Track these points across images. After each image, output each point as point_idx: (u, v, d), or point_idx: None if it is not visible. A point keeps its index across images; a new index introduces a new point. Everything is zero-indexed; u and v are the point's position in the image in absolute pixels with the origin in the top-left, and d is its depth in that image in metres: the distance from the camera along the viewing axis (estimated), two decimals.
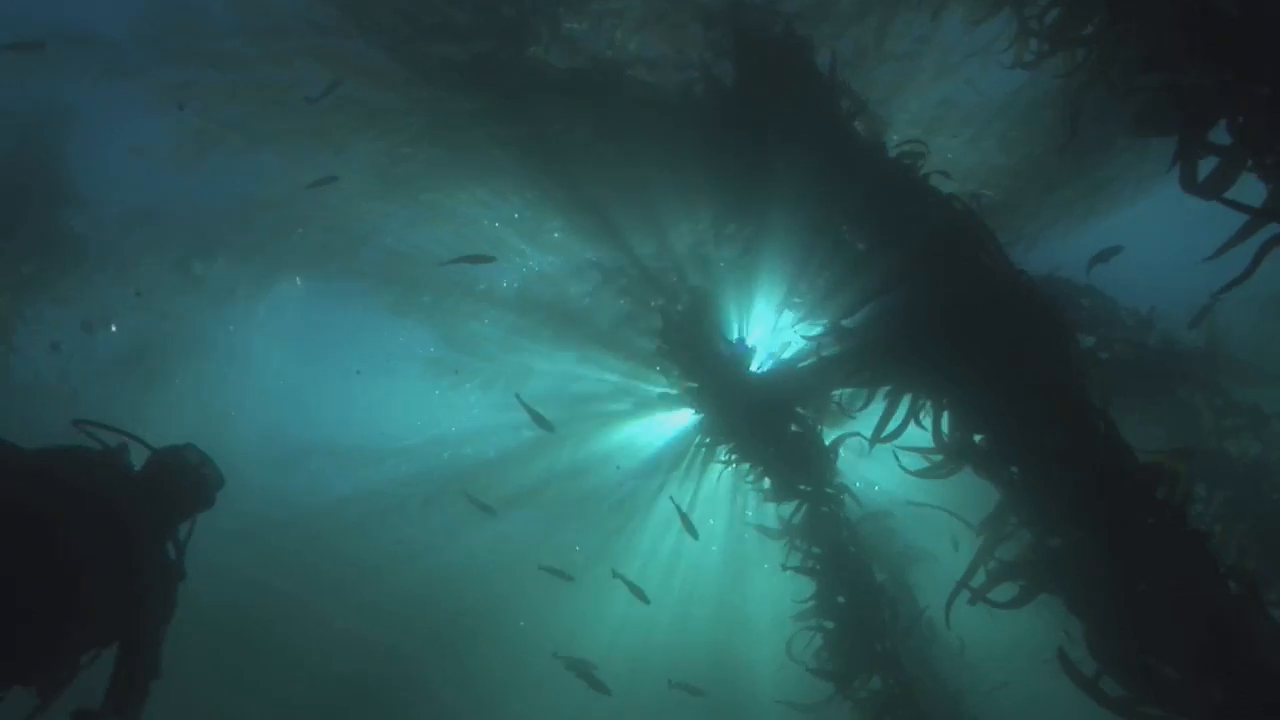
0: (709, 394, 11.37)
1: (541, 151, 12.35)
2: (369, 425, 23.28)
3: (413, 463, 23.82)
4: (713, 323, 11.72)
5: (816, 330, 9.24)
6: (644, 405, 17.59)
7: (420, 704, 30.84)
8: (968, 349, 7.22)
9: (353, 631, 28.97)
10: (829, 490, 10.15)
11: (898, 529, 17.39)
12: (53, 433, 4.80)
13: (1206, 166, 5.58)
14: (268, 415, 23.72)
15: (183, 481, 4.89)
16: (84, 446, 4.69)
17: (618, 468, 20.54)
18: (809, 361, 9.83)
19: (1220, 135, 5.50)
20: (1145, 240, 14.03)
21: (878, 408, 8.06)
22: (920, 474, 7.53)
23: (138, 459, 4.93)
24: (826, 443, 10.31)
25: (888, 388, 7.95)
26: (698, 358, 11.44)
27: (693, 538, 14.81)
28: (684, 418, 15.85)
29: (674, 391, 12.73)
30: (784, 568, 10.35)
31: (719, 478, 15.22)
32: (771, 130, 8.68)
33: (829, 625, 9.75)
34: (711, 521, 21.41)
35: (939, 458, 7.39)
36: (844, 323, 8.51)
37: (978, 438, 7.17)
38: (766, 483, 10.54)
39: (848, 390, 9.69)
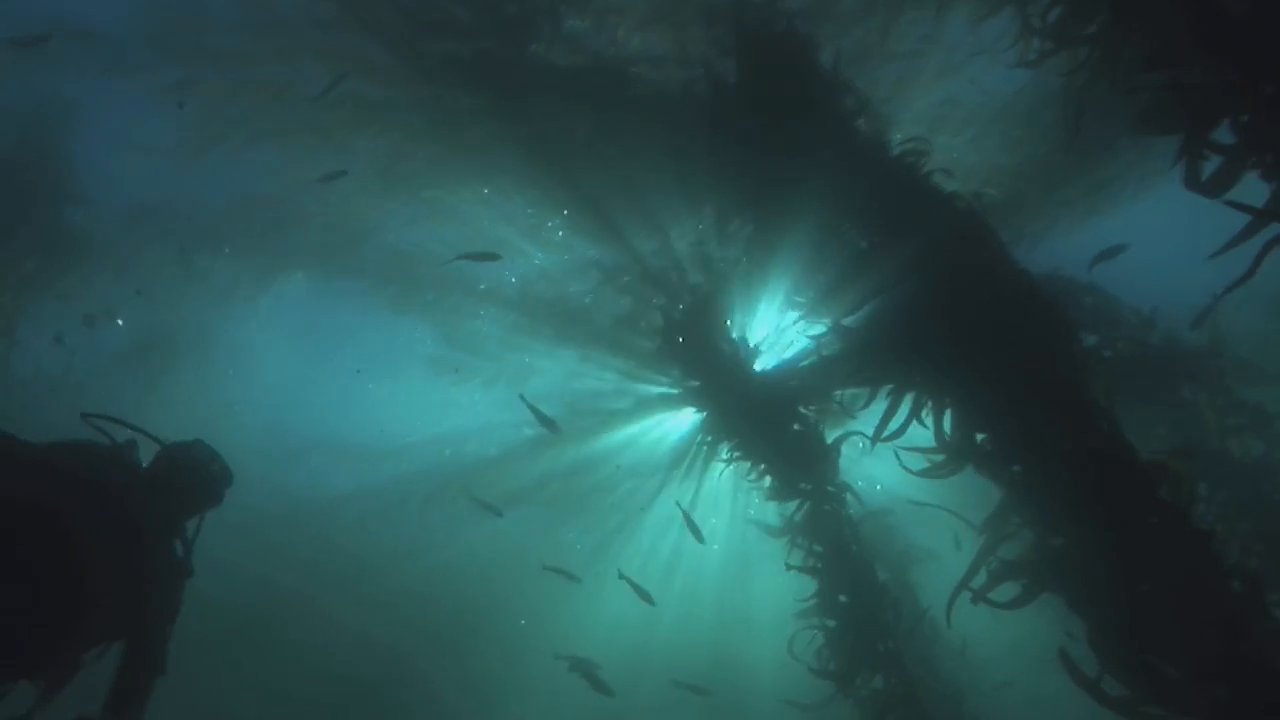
0: (711, 393, 11.36)
1: (543, 149, 12.33)
2: (370, 423, 23.30)
3: (414, 460, 23.83)
4: (714, 322, 11.71)
5: (818, 329, 9.23)
6: (645, 404, 17.57)
7: (420, 702, 30.83)
8: (970, 348, 7.21)
9: (352, 629, 28.97)
10: (831, 489, 10.15)
11: (900, 527, 17.37)
12: (54, 428, 4.78)
13: (1210, 165, 5.58)
14: (269, 411, 23.75)
15: (192, 478, 4.84)
16: (92, 441, 4.64)
17: (617, 466, 20.53)
18: (811, 360, 9.82)
19: (1223, 134, 5.50)
20: (1148, 239, 14.00)
21: (880, 406, 8.04)
22: (922, 474, 7.52)
23: (146, 455, 4.90)
24: (828, 441, 10.30)
25: (889, 386, 7.94)
26: (699, 357, 11.44)
27: (698, 541, 14.81)
28: (685, 417, 15.86)
29: (675, 391, 12.72)
30: (787, 567, 10.34)
31: (720, 476, 15.21)
32: (774, 128, 8.66)
33: (831, 624, 9.74)
34: (713, 520, 21.41)
35: (941, 457, 7.38)
36: (845, 321, 8.49)
37: (980, 437, 7.15)
38: (768, 481, 10.54)
39: (850, 389, 9.67)
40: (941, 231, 7.56)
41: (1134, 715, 5.62)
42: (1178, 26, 5.53)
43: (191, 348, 21.52)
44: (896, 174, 8.11)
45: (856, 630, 9.55)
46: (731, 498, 19.74)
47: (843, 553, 9.91)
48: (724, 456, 11.36)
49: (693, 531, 14.32)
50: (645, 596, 14.55)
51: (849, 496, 10.35)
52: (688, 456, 18.04)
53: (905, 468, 7.61)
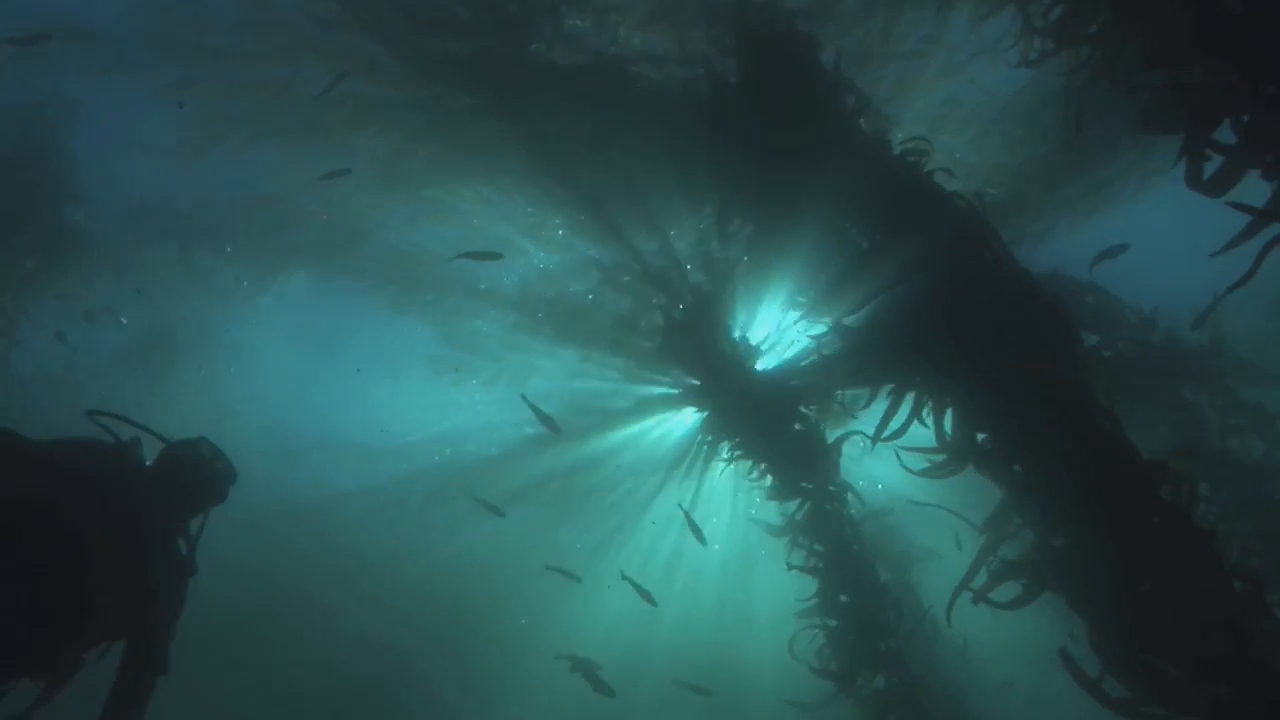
0: (712, 392, 11.36)
1: (543, 148, 12.33)
2: (371, 422, 23.30)
3: (414, 459, 23.83)
4: (716, 321, 11.71)
5: (819, 328, 9.22)
6: (645, 404, 17.57)
7: (419, 701, 30.82)
8: (971, 347, 7.20)
9: (352, 627, 28.97)
10: (832, 489, 10.15)
11: (901, 527, 17.37)
12: (54, 427, 4.76)
13: (1212, 165, 5.57)
14: (270, 410, 23.75)
15: (196, 476, 4.83)
16: (96, 439, 4.63)
17: (617, 466, 20.53)
18: (812, 360, 9.82)
19: (1225, 134, 5.49)
20: (1149, 239, 13.99)
21: (881, 406, 8.04)
22: (923, 473, 7.51)
23: (150, 452, 4.89)
24: (829, 441, 10.30)
25: (890, 386, 7.93)
26: (701, 356, 11.44)
27: (700, 543, 14.81)
28: (686, 416, 15.85)
29: (675, 391, 12.73)
30: (789, 566, 10.33)
31: (721, 474, 15.22)
32: (775, 128, 8.65)
33: (832, 623, 9.74)
34: (714, 520, 21.41)
35: (942, 457, 7.37)
36: (846, 321, 8.48)
37: (981, 437, 7.15)
38: (769, 480, 10.54)
39: (851, 389, 9.67)
40: (942, 231, 7.54)
41: (1135, 715, 5.62)
42: (1178, 26, 5.53)
43: (192, 346, 21.53)
44: (898, 173, 8.10)
45: (858, 630, 9.56)
46: (732, 497, 19.74)
47: (844, 552, 9.91)
48: (725, 456, 11.36)
49: (695, 534, 14.33)
50: (648, 597, 14.55)
51: (850, 496, 10.35)
52: (688, 456, 18.05)
53: (906, 468, 7.61)
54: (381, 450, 24.00)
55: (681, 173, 11.64)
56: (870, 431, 8.04)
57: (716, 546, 23.27)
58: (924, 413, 7.63)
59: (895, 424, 7.76)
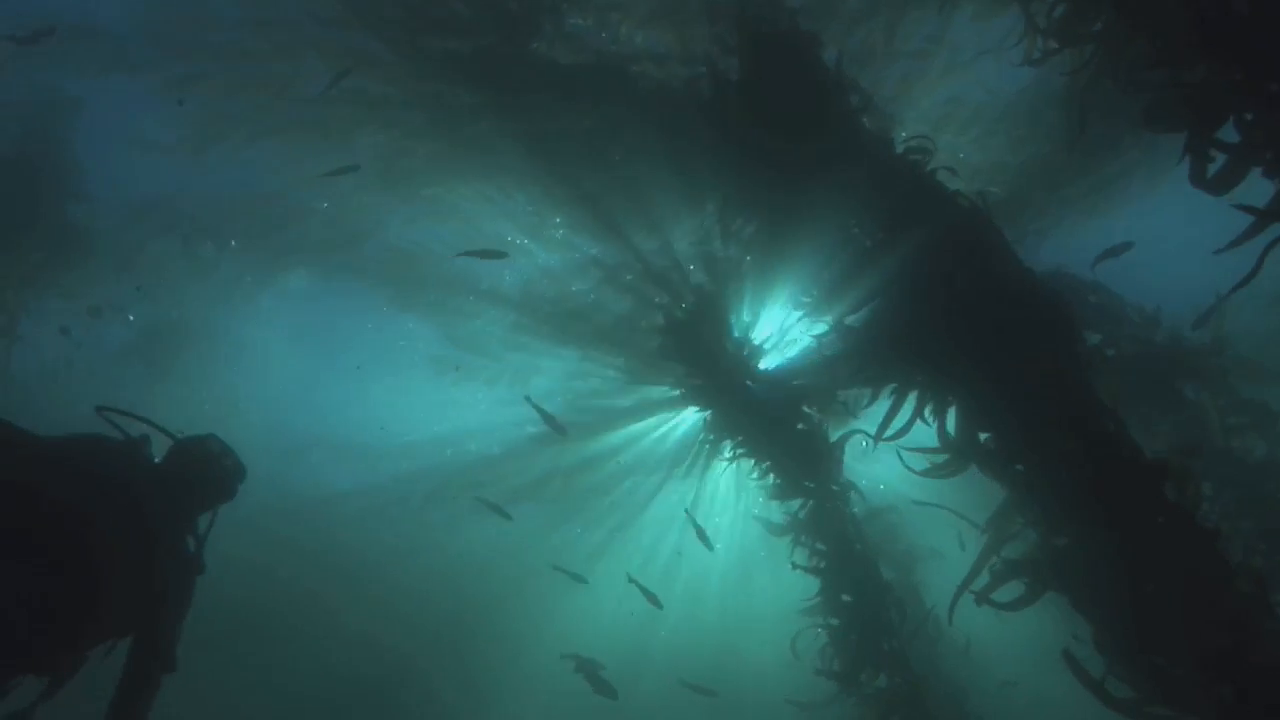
0: (714, 392, 11.35)
1: (544, 147, 12.32)
2: (372, 421, 23.29)
3: (415, 458, 23.82)
4: (718, 321, 11.69)
5: (822, 328, 9.20)
6: (647, 403, 17.57)
7: (419, 700, 30.82)
8: (973, 346, 7.18)
9: (352, 626, 28.97)
10: (835, 488, 10.14)
11: (904, 526, 17.35)
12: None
13: (1216, 163, 5.57)
14: (271, 408, 23.74)
15: (205, 473, 4.80)
16: (104, 435, 4.58)
17: (618, 464, 20.53)
18: (814, 359, 9.80)
19: (1228, 132, 5.49)
20: (1152, 237, 13.97)
21: (884, 405, 8.02)
22: (925, 473, 7.50)
23: (158, 450, 4.86)
24: (832, 440, 10.28)
25: (892, 386, 7.92)
26: (702, 356, 11.42)
27: (708, 549, 14.79)
28: (687, 415, 15.85)
29: (676, 391, 12.71)
30: (793, 566, 10.31)
31: (723, 473, 15.20)
32: (777, 127, 8.64)
33: (834, 623, 9.73)
34: (715, 519, 21.42)
35: (943, 457, 7.36)
36: (848, 320, 8.47)
37: (983, 436, 7.13)
38: (772, 479, 10.53)
39: (853, 388, 9.66)
40: (945, 230, 7.53)
41: (1139, 715, 5.60)
42: (1181, 25, 5.52)
43: (194, 344, 21.54)
44: (900, 172, 8.08)
45: (861, 629, 9.54)
46: (734, 496, 19.75)
47: (847, 551, 9.90)
48: (727, 455, 11.35)
49: (703, 541, 14.33)
50: (654, 600, 14.49)
51: (853, 495, 10.34)
52: (690, 455, 18.05)
53: (908, 468, 7.59)
54: (382, 449, 23.99)
55: (683, 171, 11.63)
56: (873, 431, 8.03)
57: (718, 546, 23.27)
58: (926, 412, 7.62)
59: (898, 423, 7.75)
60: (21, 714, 4.07)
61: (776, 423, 10.37)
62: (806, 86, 8.48)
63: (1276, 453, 11.01)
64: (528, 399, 14.52)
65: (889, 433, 7.75)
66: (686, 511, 16.84)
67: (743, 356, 11.40)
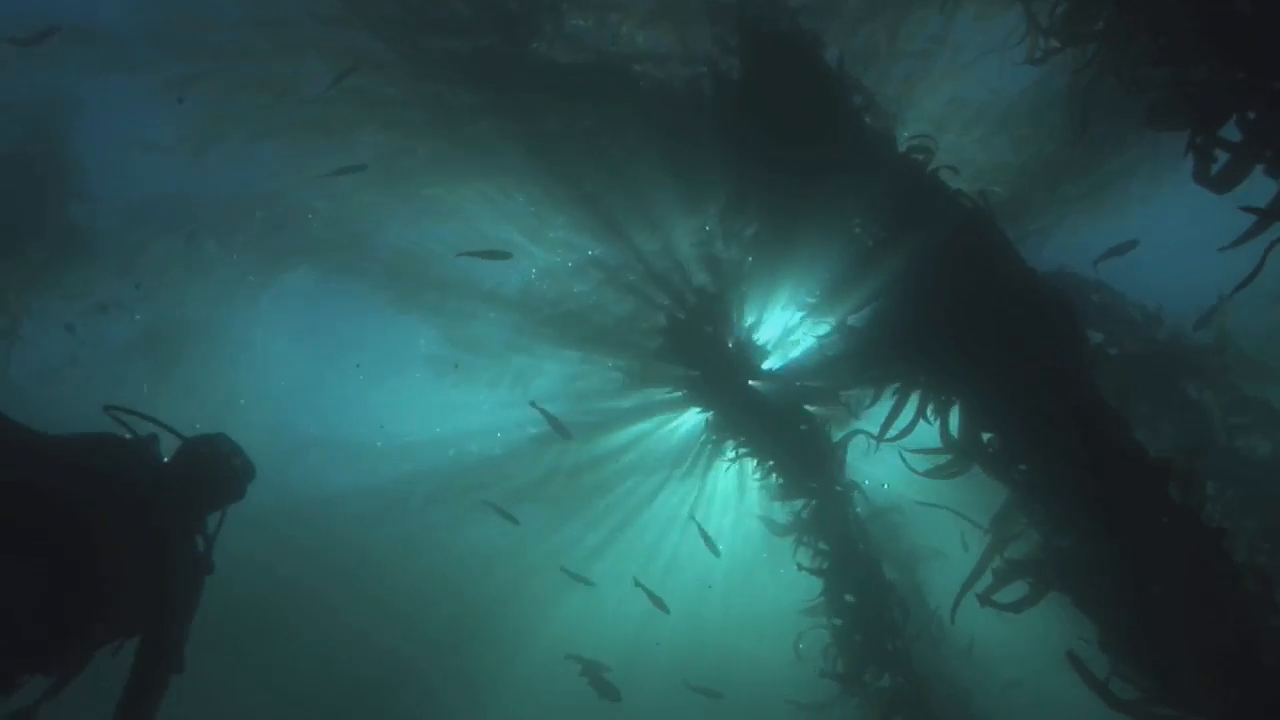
0: (717, 392, 11.33)
1: (545, 147, 12.30)
2: (372, 421, 23.27)
3: (417, 459, 23.80)
4: (720, 321, 11.69)
5: (824, 328, 9.19)
6: (648, 403, 17.55)
7: (418, 700, 30.80)
8: (975, 346, 7.17)
9: (352, 626, 28.95)
10: (838, 488, 10.12)
11: (907, 526, 17.33)
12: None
13: (1219, 161, 5.56)
14: (272, 407, 23.72)
15: (214, 472, 4.77)
16: (112, 434, 4.56)
17: (620, 464, 20.52)
18: (817, 360, 9.79)
19: (1231, 131, 5.48)
20: (1154, 236, 13.94)
21: (887, 405, 8.01)
22: (928, 474, 7.49)
23: (166, 450, 4.84)
24: (834, 440, 10.27)
25: (895, 385, 7.90)
26: (705, 357, 11.41)
27: (714, 555, 14.74)
28: (689, 416, 15.83)
29: (679, 392, 12.70)
30: (797, 567, 10.29)
31: (725, 473, 15.17)
32: (779, 126, 8.62)
33: (838, 623, 9.72)
34: (718, 520, 21.39)
35: (946, 457, 7.34)
36: (850, 320, 8.46)
37: (986, 436, 7.12)
38: (774, 479, 10.52)
39: (855, 388, 9.65)
40: (948, 229, 7.52)
41: (1144, 716, 5.59)
42: (1184, 23, 5.51)
43: (195, 344, 21.52)
44: (903, 172, 8.07)
45: (864, 629, 9.53)
46: (736, 496, 19.73)
47: (850, 552, 9.89)
48: (729, 455, 11.34)
49: (709, 547, 14.29)
50: (660, 604, 14.42)
51: (856, 495, 10.33)
52: (691, 455, 18.03)
53: (911, 468, 7.58)
54: (383, 450, 23.97)
55: (684, 172, 11.61)
56: (875, 431, 8.02)
57: (720, 545, 23.23)
58: (929, 412, 7.61)
59: (900, 423, 7.74)
60: (25, 711, 4.06)
61: (779, 423, 10.36)
62: (808, 86, 8.47)
63: None
64: (533, 404, 14.45)
65: (892, 433, 7.74)
66: (693, 518, 16.79)
67: (745, 357, 11.39)
